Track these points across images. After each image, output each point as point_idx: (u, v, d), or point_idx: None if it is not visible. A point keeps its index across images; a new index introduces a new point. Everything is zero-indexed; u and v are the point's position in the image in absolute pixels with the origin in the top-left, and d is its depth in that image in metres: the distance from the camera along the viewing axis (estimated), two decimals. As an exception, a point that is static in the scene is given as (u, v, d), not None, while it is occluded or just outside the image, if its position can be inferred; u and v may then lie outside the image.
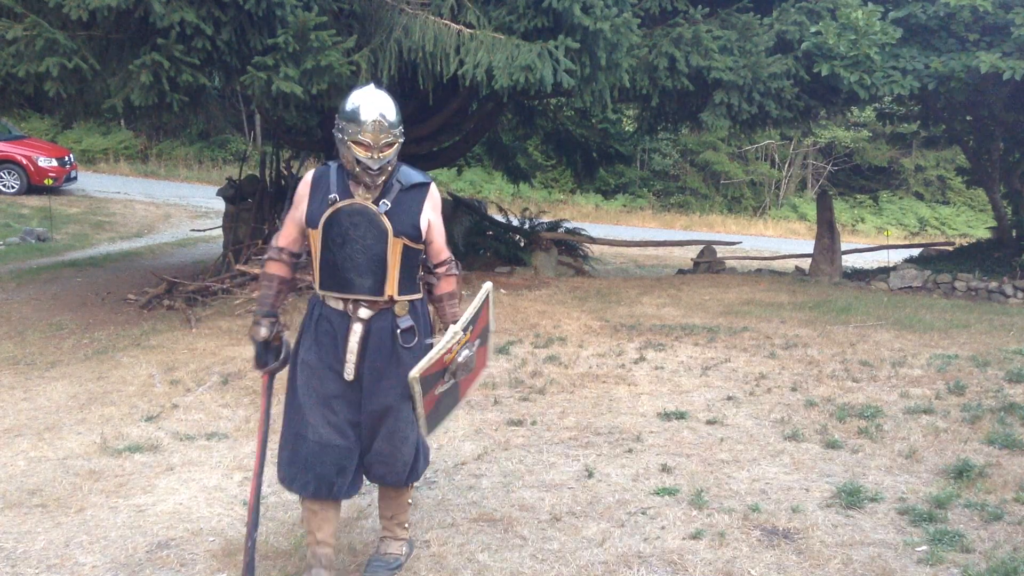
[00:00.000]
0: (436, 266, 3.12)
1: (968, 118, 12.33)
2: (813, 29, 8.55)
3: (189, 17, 5.93)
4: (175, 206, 17.37)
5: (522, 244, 11.45)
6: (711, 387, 5.48)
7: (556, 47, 6.74)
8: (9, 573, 3.13)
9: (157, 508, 3.67)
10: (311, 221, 2.91)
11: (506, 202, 15.34)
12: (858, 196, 27.79)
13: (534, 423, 4.78)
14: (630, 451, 4.36)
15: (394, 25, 6.88)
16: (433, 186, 3.05)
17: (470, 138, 10.64)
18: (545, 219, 12.34)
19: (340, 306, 2.94)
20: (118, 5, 5.75)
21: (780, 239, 21.04)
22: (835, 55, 8.47)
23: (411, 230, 2.92)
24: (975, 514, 3.62)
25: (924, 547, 3.33)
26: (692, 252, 12.96)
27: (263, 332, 3.03)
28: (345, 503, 3.71)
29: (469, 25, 6.92)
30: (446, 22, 6.85)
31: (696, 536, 3.41)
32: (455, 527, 3.50)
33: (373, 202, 2.89)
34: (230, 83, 6.86)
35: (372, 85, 3.03)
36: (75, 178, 17.81)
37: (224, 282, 8.23)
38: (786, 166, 28.10)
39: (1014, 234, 12.12)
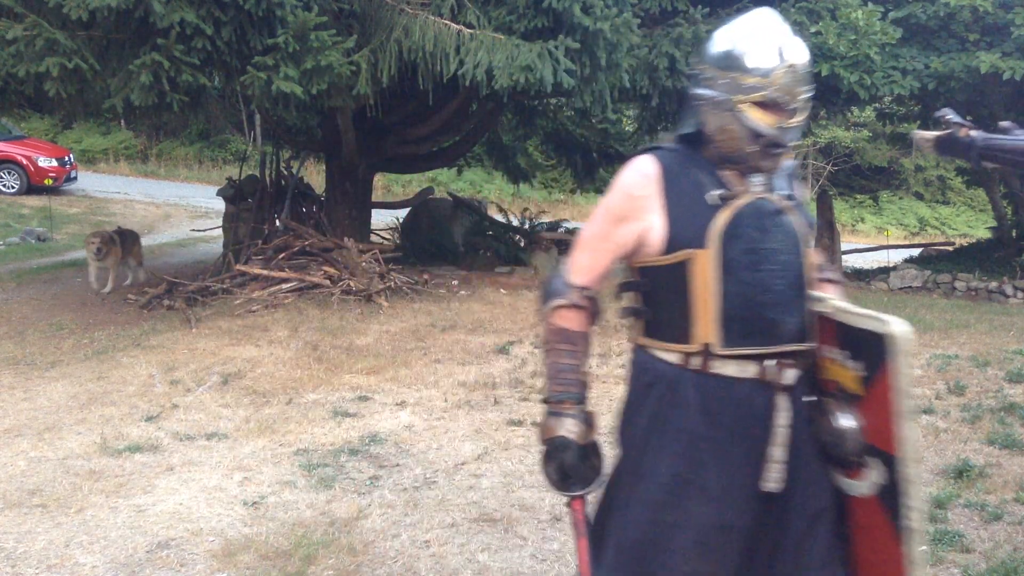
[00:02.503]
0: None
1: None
2: (813, 29, 8.56)
3: (189, 17, 5.93)
4: (175, 206, 17.36)
5: (522, 244, 11.45)
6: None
7: (556, 47, 6.74)
8: (9, 573, 3.13)
9: (157, 508, 3.67)
10: (687, 237, 1.85)
11: (506, 202, 15.34)
12: (858, 196, 27.78)
13: (534, 423, 4.78)
14: (630, 451, 4.35)
15: (394, 25, 6.88)
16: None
17: (470, 138, 10.64)
18: (545, 219, 12.34)
19: (752, 371, 1.86)
20: (118, 5, 5.75)
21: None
22: (835, 55, 8.48)
23: (809, 231, 2.00)
24: (975, 514, 3.62)
25: (924, 547, 3.32)
26: (692, 252, 12.94)
27: (578, 429, 1.96)
28: (345, 503, 3.72)
29: (469, 25, 6.92)
30: (446, 22, 6.85)
31: (696, 536, 3.40)
32: (455, 527, 3.50)
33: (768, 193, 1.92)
34: (230, 83, 6.86)
35: (765, 9, 2.00)
36: (75, 178, 17.80)
37: (224, 282, 8.23)
38: (786, 166, 28.03)
39: (1014, 234, 12.13)
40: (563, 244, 11.57)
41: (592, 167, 13.72)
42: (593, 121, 13.78)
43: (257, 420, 4.83)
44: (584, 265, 2.00)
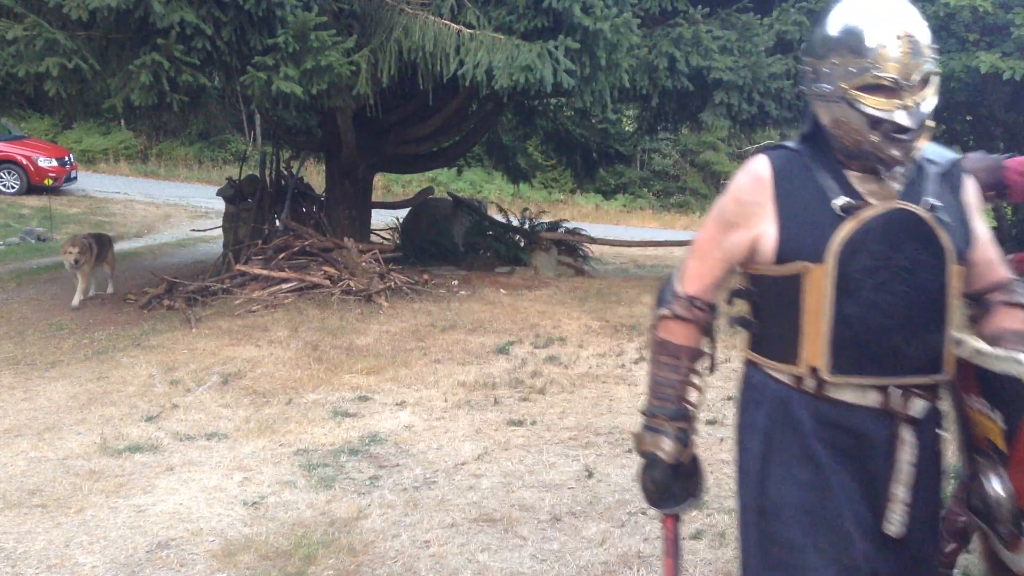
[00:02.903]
0: (988, 290, 1.82)
1: (968, 118, 12.33)
2: (813, 29, 8.56)
3: (189, 17, 5.93)
4: (175, 206, 17.36)
5: (522, 244, 11.45)
6: (711, 387, 5.45)
7: (556, 47, 6.74)
8: (9, 573, 3.13)
9: (157, 508, 3.67)
10: (803, 250, 1.67)
11: (506, 202, 15.33)
12: (858, 196, 27.76)
13: (534, 423, 4.78)
14: (630, 451, 4.35)
15: (394, 25, 6.88)
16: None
17: (470, 138, 10.64)
18: (545, 219, 12.33)
19: (873, 399, 1.69)
20: (118, 5, 5.75)
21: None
22: (835, 55, 8.48)
23: (963, 245, 1.72)
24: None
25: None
26: (692, 252, 12.94)
27: (668, 447, 1.86)
28: (345, 503, 3.73)
29: (469, 25, 6.92)
30: (446, 22, 6.85)
31: (696, 536, 3.41)
32: (455, 527, 3.50)
33: (905, 198, 1.67)
34: (230, 83, 6.86)
35: None
36: (75, 178, 17.81)
37: (224, 282, 8.23)
38: (786, 166, 28.06)
39: (1014, 234, 12.12)
40: (563, 244, 11.59)
41: (592, 167, 13.72)
42: (593, 121, 13.79)
43: (257, 420, 4.84)
44: (694, 273, 1.86)
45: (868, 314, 1.64)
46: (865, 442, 1.69)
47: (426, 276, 8.66)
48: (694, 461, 1.92)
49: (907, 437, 1.69)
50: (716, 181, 27.25)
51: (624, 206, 25.30)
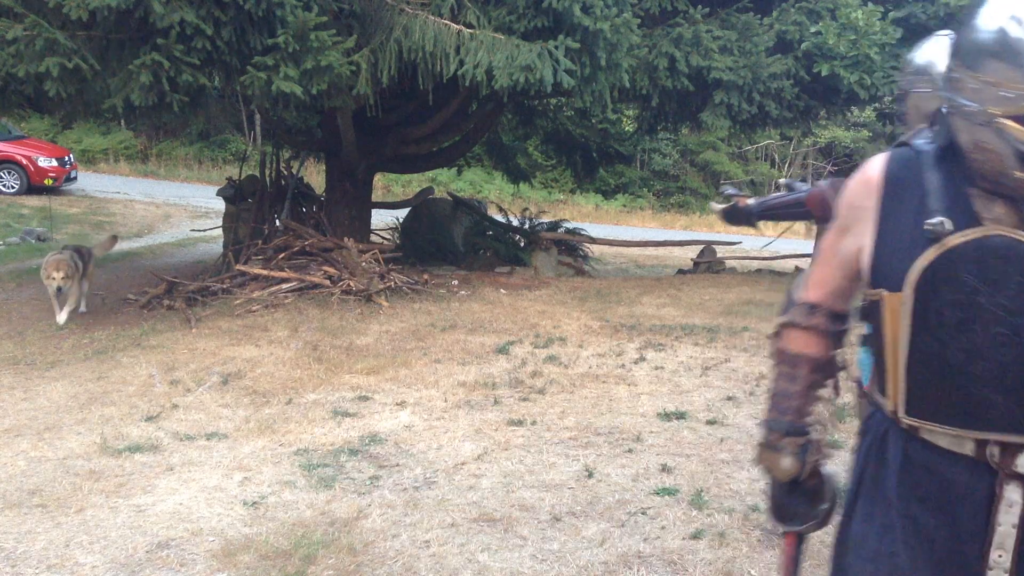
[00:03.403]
0: None
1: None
2: (813, 29, 8.55)
3: (189, 17, 5.93)
4: (175, 206, 17.36)
5: (522, 244, 11.46)
6: (711, 387, 5.48)
7: (556, 47, 6.74)
8: (9, 573, 3.13)
9: (157, 508, 3.67)
10: (885, 272, 1.49)
11: (506, 202, 15.34)
12: (858, 196, 27.79)
13: (534, 423, 4.78)
14: (630, 451, 4.36)
15: (394, 25, 6.88)
16: None
17: (470, 138, 10.65)
18: (545, 219, 12.34)
19: (970, 447, 1.46)
20: (118, 5, 5.75)
21: (780, 239, 21.03)
22: (835, 55, 8.48)
23: None
24: (975, 514, 3.62)
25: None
26: (692, 252, 12.96)
27: (786, 463, 1.72)
28: (345, 503, 3.73)
29: (469, 25, 6.92)
30: (446, 22, 6.85)
31: (696, 536, 3.41)
32: (455, 527, 3.50)
33: None
34: (230, 83, 6.86)
35: None
36: (75, 178, 17.80)
37: (224, 282, 8.23)
38: (786, 166, 28.11)
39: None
40: (563, 244, 11.59)
41: (592, 167, 13.74)
42: (593, 121, 13.81)
43: (257, 420, 4.84)
44: (815, 279, 1.69)
45: (950, 356, 1.42)
46: (956, 497, 1.46)
47: (426, 276, 8.66)
48: (820, 479, 1.75)
49: (1010, 495, 1.42)
50: (716, 181, 27.28)
51: (624, 206, 25.32)
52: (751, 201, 3.39)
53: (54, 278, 7.26)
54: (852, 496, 1.64)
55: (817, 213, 3.06)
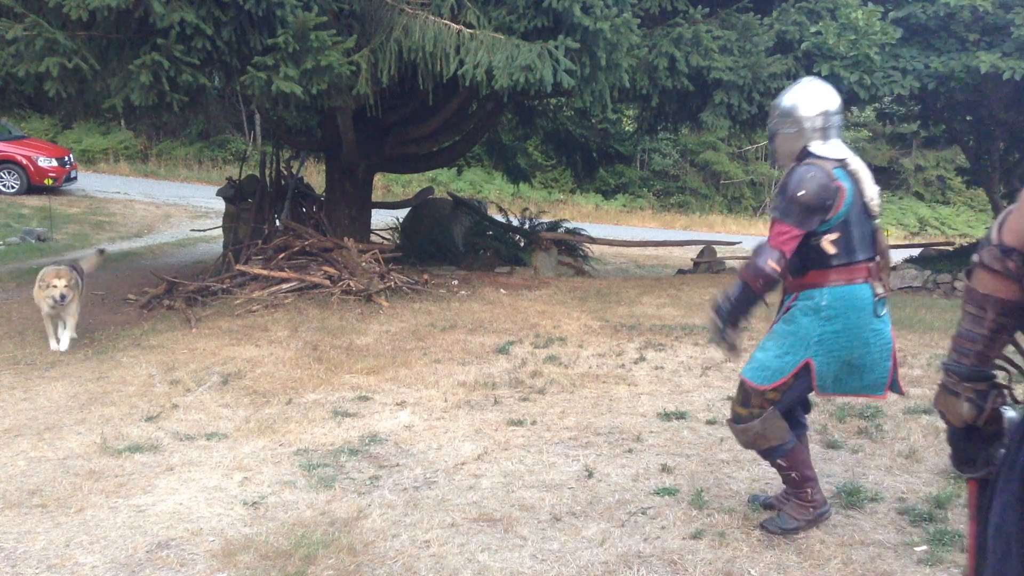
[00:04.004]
0: None
1: (968, 118, 12.33)
2: (813, 29, 8.56)
3: (189, 17, 5.93)
4: (175, 206, 17.37)
5: (522, 244, 11.46)
6: (711, 387, 5.47)
7: (556, 47, 6.74)
8: (9, 573, 3.13)
9: (157, 508, 3.67)
10: None
11: (506, 202, 15.35)
12: (858, 196, 27.77)
13: (534, 423, 4.78)
14: (630, 451, 4.36)
15: (394, 25, 6.88)
16: None
17: (470, 138, 10.65)
18: (545, 219, 12.36)
19: None
20: (118, 5, 5.76)
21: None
22: (835, 55, 8.48)
23: None
24: (975, 514, 3.62)
25: (924, 547, 3.33)
26: (692, 252, 12.97)
27: (963, 409, 1.71)
28: (345, 503, 3.73)
29: (469, 25, 6.92)
30: (446, 22, 6.85)
31: (696, 536, 3.41)
32: (455, 527, 3.50)
33: None
34: (230, 83, 6.86)
35: None
36: (75, 178, 17.82)
37: (224, 282, 8.23)
38: (786, 166, 28.06)
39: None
40: (563, 244, 11.59)
41: (592, 167, 13.74)
42: (593, 121, 13.81)
43: (257, 420, 4.84)
44: (1013, 224, 1.62)
45: None
46: None
47: (426, 276, 8.67)
48: (1000, 424, 1.69)
49: None
50: (716, 181, 27.28)
51: (624, 206, 25.32)
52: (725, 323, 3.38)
53: (55, 285, 6.28)
54: (1000, 480, 1.60)
55: (756, 286, 3.15)
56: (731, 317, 3.26)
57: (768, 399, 3.27)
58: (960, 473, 1.81)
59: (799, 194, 3.09)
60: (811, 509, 3.38)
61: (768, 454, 3.34)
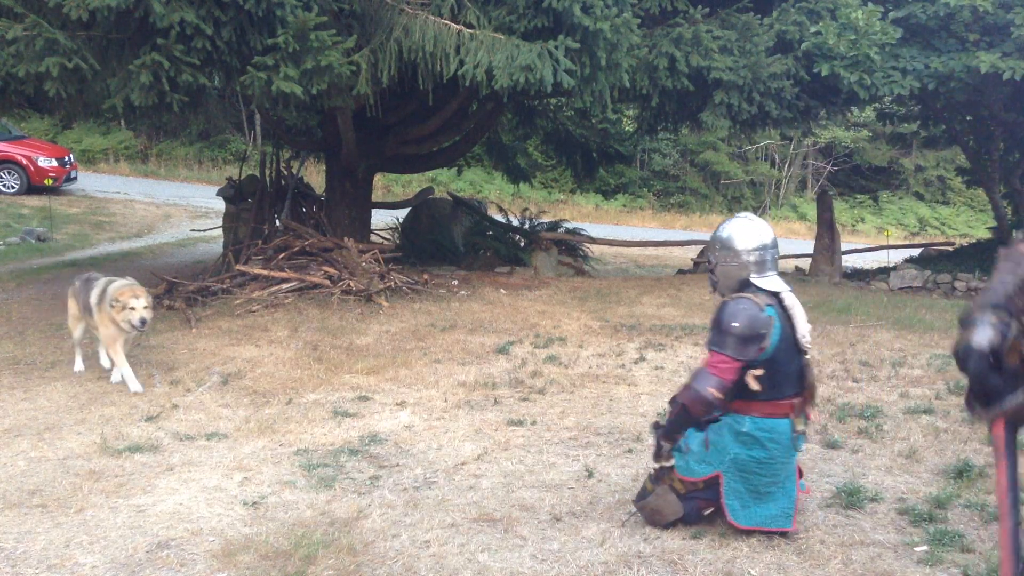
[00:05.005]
0: None
1: (968, 118, 12.33)
2: (813, 29, 8.55)
3: (189, 17, 5.93)
4: (175, 206, 17.37)
5: (522, 244, 11.46)
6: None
7: (556, 47, 6.73)
8: (9, 573, 3.13)
9: (157, 508, 3.67)
10: None
11: (506, 202, 15.35)
12: (858, 196, 27.81)
13: (534, 423, 4.78)
14: (630, 451, 4.36)
15: (394, 25, 6.87)
16: None
17: (470, 138, 10.64)
18: (545, 219, 12.36)
19: None
20: (118, 5, 5.75)
21: (780, 239, 20.68)
22: (835, 55, 8.48)
23: None
24: (975, 514, 3.62)
25: (924, 547, 3.33)
26: (692, 252, 12.96)
27: (982, 335, 1.78)
28: (345, 503, 3.73)
29: (469, 25, 6.92)
30: (446, 22, 6.84)
31: (696, 536, 3.41)
32: (455, 527, 3.50)
33: None
34: (230, 83, 6.86)
35: None
36: (75, 178, 17.81)
37: (224, 282, 8.23)
38: (786, 166, 28.10)
39: (1014, 234, 12.12)
40: (563, 244, 11.59)
41: (592, 167, 13.73)
42: (593, 121, 13.80)
43: (257, 420, 4.84)
44: None
45: None
46: None
47: (426, 276, 8.66)
48: (1022, 362, 1.78)
49: None
50: (716, 181, 27.27)
51: (624, 206, 25.31)
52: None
53: (133, 307, 5.19)
54: None
55: (695, 411, 3.28)
56: (667, 436, 3.43)
57: (675, 484, 3.41)
58: (984, 417, 1.90)
59: (732, 325, 3.24)
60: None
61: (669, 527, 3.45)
